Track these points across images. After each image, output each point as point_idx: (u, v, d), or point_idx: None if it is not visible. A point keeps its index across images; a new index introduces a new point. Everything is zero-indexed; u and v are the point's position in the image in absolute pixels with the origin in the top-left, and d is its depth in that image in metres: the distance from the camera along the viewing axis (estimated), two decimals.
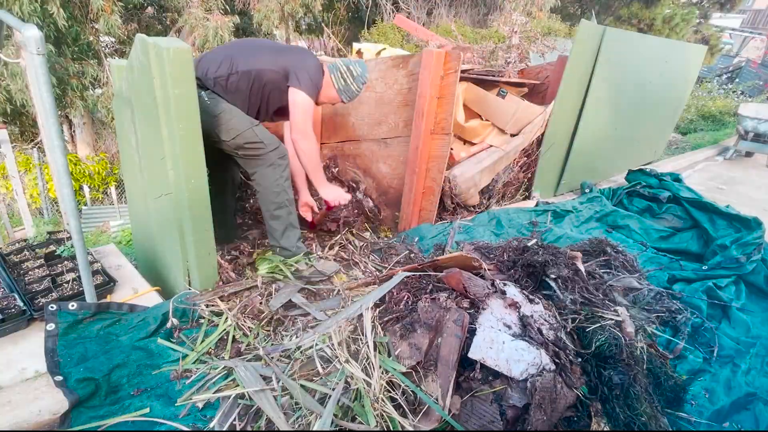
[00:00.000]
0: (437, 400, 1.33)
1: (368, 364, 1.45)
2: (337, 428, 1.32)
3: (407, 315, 1.58)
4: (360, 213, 3.39)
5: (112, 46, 8.07)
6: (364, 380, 1.40)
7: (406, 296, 1.67)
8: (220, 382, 1.59)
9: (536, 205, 3.40)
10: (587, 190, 3.94)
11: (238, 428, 1.42)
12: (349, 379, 1.43)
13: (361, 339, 1.55)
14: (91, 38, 7.01)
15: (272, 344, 1.71)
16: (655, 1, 11.60)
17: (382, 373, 1.42)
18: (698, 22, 13.02)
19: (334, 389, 1.42)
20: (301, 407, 1.40)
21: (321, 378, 1.49)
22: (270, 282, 2.12)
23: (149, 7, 7.85)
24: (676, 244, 2.98)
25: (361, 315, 1.65)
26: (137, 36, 1.88)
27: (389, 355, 1.49)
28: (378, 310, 1.66)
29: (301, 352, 1.61)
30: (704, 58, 5.68)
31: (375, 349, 1.50)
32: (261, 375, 1.53)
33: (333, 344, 1.57)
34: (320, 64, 2.32)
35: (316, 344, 1.59)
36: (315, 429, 1.31)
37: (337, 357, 1.52)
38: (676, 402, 1.61)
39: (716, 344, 1.93)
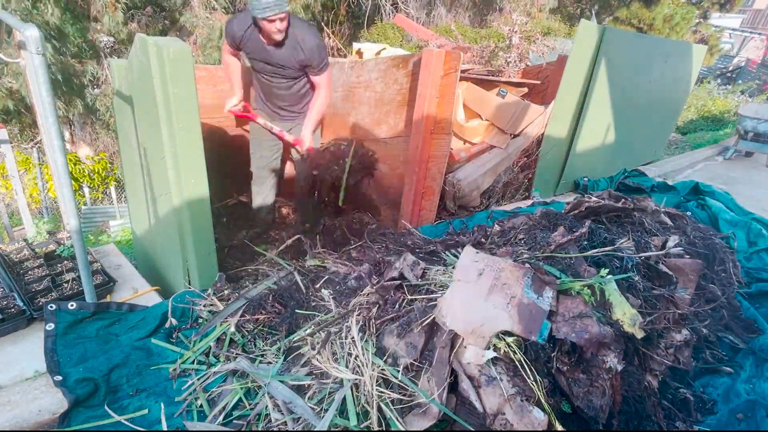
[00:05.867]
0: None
1: (358, 362, 1.46)
2: (338, 428, 1.32)
3: (404, 315, 1.58)
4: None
5: (111, 46, 8.06)
6: (356, 378, 1.41)
7: (402, 296, 1.67)
8: (218, 381, 1.59)
9: (531, 204, 3.41)
10: (582, 190, 4.00)
11: (237, 428, 1.42)
12: (343, 380, 1.43)
13: (352, 339, 1.55)
14: (90, 37, 7.01)
15: (269, 346, 1.71)
16: (656, 0, 11.59)
17: (373, 368, 1.43)
18: (698, 21, 13.00)
19: (329, 393, 1.42)
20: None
21: (315, 381, 1.49)
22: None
23: (149, 7, 7.84)
24: None
25: (353, 312, 1.65)
26: (137, 35, 1.88)
27: (383, 354, 1.49)
28: (375, 310, 1.66)
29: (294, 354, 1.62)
30: (704, 58, 5.68)
31: (363, 342, 1.50)
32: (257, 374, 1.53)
33: (323, 346, 1.57)
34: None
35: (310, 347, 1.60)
36: (316, 429, 1.31)
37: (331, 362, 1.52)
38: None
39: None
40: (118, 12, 6.44)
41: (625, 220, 2.21)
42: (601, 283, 1.53)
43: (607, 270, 1.60)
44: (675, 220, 2.44)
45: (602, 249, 1.76)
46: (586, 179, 4.09)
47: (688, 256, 2.00)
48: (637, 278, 1.68)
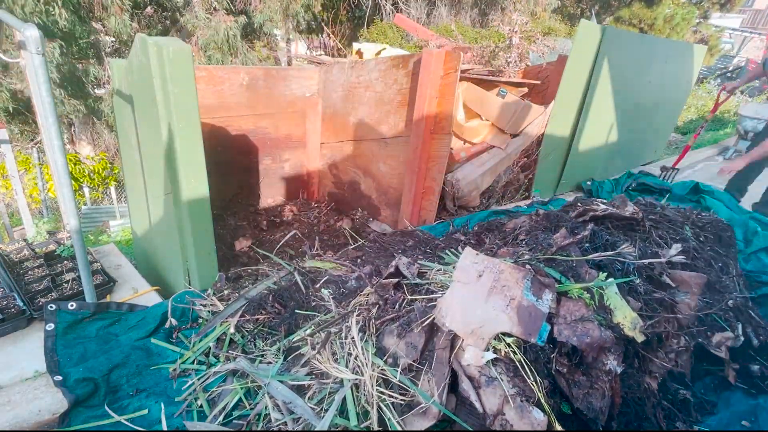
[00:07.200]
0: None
1: (358, 362, 1.46)
2: (338, 428, 1.32)
3: (404, 315, 1.58)
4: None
5: (112, 46, 8.06)
6: (356, 378, 1.41)
7: (402, 296, 1.67)
8: (218, 381, 1.59)
9: (530, 205, 3.41)
10: (587, 195, 3.99)
11: (237, 428, 1.42)
12: (343, 380, 1.43)
13: (352, 339, 1.55)
14: (92, 38, 6.99)
15: (268, 345, 1.71)
16: (657, 0, 11.59)
17: (373, 368, 1.43)
18: (698, 22, 13.01)
19: (329, 393, 1.42)
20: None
21: (315, 381, 1.49)
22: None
23: (149, 7, 7.83)
24: None
25: (353, 312, 1.65)
26: (137, 35, 1.88)
27: (383, 354, 1.49)
28: (375, 310, 1.66)
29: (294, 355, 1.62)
30: (704, 58, 5.68)
31: (363, 342, 1.51)
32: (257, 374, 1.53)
33: (324, 347, 1.57)
34: None
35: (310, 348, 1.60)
36: (316, 429, 1.31)
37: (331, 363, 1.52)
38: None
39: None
40: (124, 14, 6.43)
41: (636, 228, 2.20)
42: (601, 287, 1.53)
43: (606, 273, 1.60)
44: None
45: (604, 253, 1.76)
46: (590, 182, 4.07)
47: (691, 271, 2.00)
48: (638, 281, 1.68)
